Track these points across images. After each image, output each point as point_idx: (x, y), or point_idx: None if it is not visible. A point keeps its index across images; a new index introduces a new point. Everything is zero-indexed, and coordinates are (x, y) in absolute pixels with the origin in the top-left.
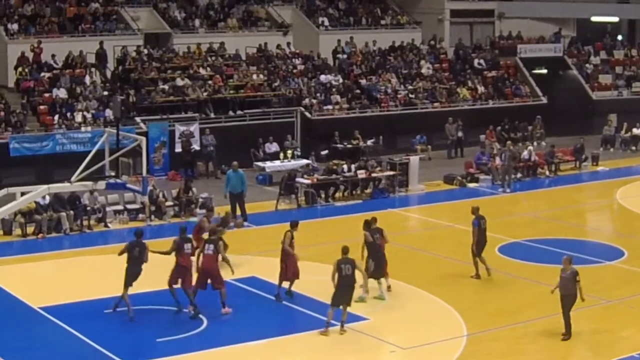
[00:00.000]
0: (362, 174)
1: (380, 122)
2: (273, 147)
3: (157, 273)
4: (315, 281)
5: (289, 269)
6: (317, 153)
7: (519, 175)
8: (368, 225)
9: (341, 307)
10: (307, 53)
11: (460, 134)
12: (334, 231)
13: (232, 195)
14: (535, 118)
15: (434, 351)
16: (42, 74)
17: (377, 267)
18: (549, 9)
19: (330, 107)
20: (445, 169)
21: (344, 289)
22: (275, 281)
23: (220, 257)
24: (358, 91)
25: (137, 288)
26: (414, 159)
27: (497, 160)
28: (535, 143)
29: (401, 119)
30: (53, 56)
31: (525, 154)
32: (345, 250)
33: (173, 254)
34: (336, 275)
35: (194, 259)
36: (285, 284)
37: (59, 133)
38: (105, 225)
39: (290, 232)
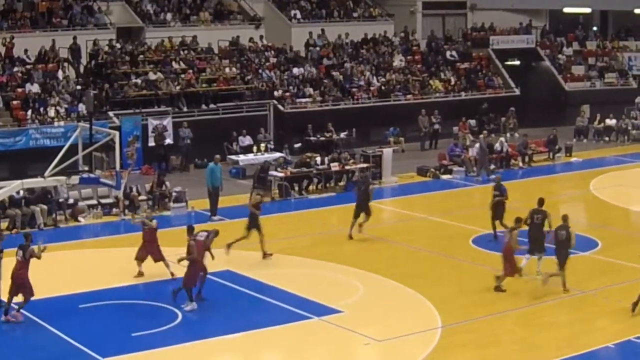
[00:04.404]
0: (335, 166)
1: (353, 114)
2: (246, 140)
3: (131, 267)
4: (289, 274)
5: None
6: (291, 146)
7: (492, 166)
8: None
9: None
10: (280, 46)
11: (437, 126)
12: (307, 224)
13: (215, 189)
14: (509, 110)
15: (408, 343)
16: (15, 69)
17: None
18: (521, 0)
19: (303, 100)
20: (419, 161)
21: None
22: (249, 274)
23: None
24: (331, 84)
25: (111, 283)
26: (387, 151)
27: (471, 152)
28: (508, 134)
29: (374, 112)
30: (26, 51)
31: (497, 145)
32: (540, 202)
33: None
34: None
35: None
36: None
37: (32, 128)
38: (77, 220)
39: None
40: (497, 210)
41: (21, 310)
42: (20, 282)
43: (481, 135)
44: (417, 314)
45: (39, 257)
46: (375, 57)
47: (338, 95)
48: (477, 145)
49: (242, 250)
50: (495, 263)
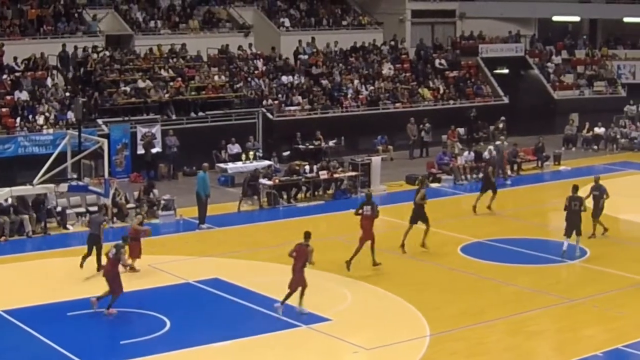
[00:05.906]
0: (324, 174)
1: (342, 122)
2: (235, 148)
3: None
4: (277, 282)
5: None
6: (279, 154)
7: (480, 175)
8: None
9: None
10: (269, 54)
11: (423, 133)
12: (296, 232)
13: (206, 197)
14: (499, 119)
15: (397, 351)
16: (4, 76)
17: None
18: (510, 9)
19: (291, 108)
20: (407, 169)
21: (570, 221)
22: (237, 282)
23: None
24: (320, 92)
25: (100, 290)
26: (376, 160)
27: (459, 160)
28: (497, 143)
29: (363, 120)
30: (15, 58)
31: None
32: (574, 188)
33: None
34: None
35: None
36: None
37: (21, 135)
38: (65, 228)
39: None
40: (597, 209)
41: (111, 307)
42: (107, 278)
43: (498, 142)
44: (405, 322)
45: (124, 264)
46: (364, 66)
47: (327, 104)
48: (485, 150)
49: (231, 259)
50: (482, 271)
